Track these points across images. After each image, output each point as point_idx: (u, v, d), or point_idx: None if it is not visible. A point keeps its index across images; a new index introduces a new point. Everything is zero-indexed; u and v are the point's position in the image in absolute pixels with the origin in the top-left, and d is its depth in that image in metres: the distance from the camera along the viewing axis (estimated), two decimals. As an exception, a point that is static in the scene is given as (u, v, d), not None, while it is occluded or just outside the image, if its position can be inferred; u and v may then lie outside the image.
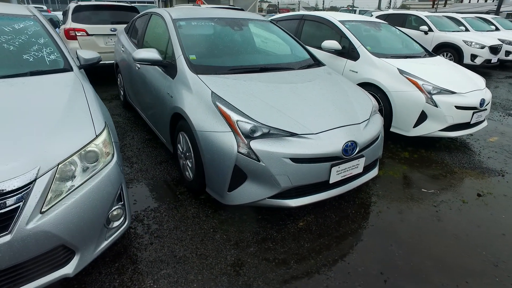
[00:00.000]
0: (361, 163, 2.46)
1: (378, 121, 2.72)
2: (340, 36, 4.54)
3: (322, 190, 2.36)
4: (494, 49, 8.79)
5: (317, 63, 3.38)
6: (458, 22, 10.71)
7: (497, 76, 9.14)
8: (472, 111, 3.71)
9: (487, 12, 20.76)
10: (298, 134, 2.20)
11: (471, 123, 3.79)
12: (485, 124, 4.09)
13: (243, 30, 3.46)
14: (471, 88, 3.84)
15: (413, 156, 3.71)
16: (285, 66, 3.08)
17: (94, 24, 6.11)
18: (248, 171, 2.17)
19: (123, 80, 4.70)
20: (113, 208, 1.86)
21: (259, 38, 3.52)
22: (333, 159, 2.27)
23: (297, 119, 2.29)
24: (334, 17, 4.76)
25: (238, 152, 2.14)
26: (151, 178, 3.01)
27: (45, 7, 19.61)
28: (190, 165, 2.67)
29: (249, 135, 2.16)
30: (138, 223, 2.40)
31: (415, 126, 3.73)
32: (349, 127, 2.41)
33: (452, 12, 14.85)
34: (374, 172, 2.72)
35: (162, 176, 3.05)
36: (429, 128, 3.69)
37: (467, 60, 8.76)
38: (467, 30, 10.41)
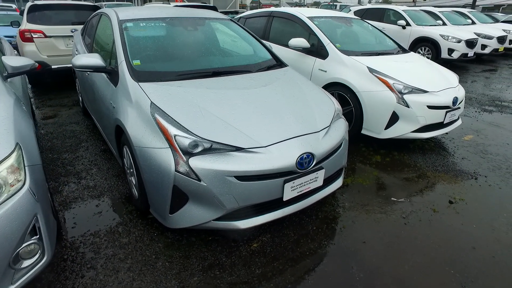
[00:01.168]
0: (320, 175, 2.25)
1: (341, 127, 2.50)
2: (308, 33, 4.31)
3: (276, 208, 2.13)
4: (470, 43, 8.74)
5: (279, 63, 3.14)
6: (435, 16, 10.64)
7: (474, 70, 9.10)
8: (445, 110, 3.54)
9: (464, 6, 20.94)
10: (244, 149, 1.96)
11: (444, 122, 3.62)
12: (459, 122, 3.94)
13: (198, 31, 3.19)
14: (444, 86, 3.68)
15: (385, 160, 3.52)
16: (241, 69, 2.83)
17: (53, 25, 5.72)
18: (188, 192, 1.93)
19: (79, 86, 4.38)
20: (23, 245, 1.59)
21: (215, 39, 3.26)
22: (286, 174, 2.04)
23: (245, 131, 2.05)
24: (302, 13, 4.53)
25: (176, 171, 1.89)
26: (98, 196, 2.73)
27: (14, 6, 18.69)
28: (134, 182, 2.41)
29: (189, 151, 1.91)
30: (72, 251, 2.13)
31: (386, 127, 3.54)
32: (305, 137, 2.18)
33: (430, 6, 14.86)
34: (337, 184, 2.50)
35: (111, 193, 2.77)
36: (401, 130, 3.50)
37: (444, 54, 8.69)
38: (444, 24, 10.35)
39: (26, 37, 5.52)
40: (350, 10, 11.07)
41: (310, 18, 4.39)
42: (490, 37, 9.85)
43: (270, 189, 2.01)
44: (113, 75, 2.65)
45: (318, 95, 2.68)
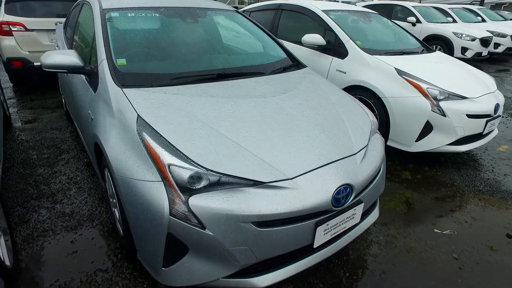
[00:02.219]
0: (358, 211, 1.74)
1: (379, 146, 2.00)
2: (324, 28, 3.78)
3: (303, 256, 1.62)
4: (485, 41, 8.26)
5: (295, 64, 2.62)
6: (445, 13, 10.15)
7: (487, 70, 8.62)
8: (486, 119, 3.04)
9: (471, 3, 20.46)
10: (264, 183, 1.44)
11: (483, 133, 3.13)
12: (496, 132, 3.45)
13: (199, 23, 2.65)
14: (483, 91, 3.17)
15: (416, 177, 3.02)
16: (253, 70, 2.30)
17: (35, 17, 5.14)
18: (188, 242, 1.41)
19: (60, 85, 3.83)
20: None
21: (220, 34, 2.73)
22: (318, 215, 1.53)
23: (265, 157, 1.52)
24: (316, 6, 4.00)
25: (172, 214, 1.37)
26: (74, 227, 2.20)
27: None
28: (118, 217, 1.89)
29: (188, 187, 1.39)
30: (33, 313, 1.60)
31: (418, 139, 3.04)
32: (341, 162, 1.67)
33: (438, 3, 14.37)
34: (374, 216, 2.00)
35: (91, 223, 2.25)
36: (436, 142, 3.00)
37: (457, 53, 8.21)
38: (454, 21, 9.87)
39: (3, 30, 4.93)
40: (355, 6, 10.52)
41: (326, 12, 3.86)
42: (504, 35, 9.36)
43: (297, 236, 1.50)
44: (92, 77, 2.11)
45: (349, 105, 2.16)
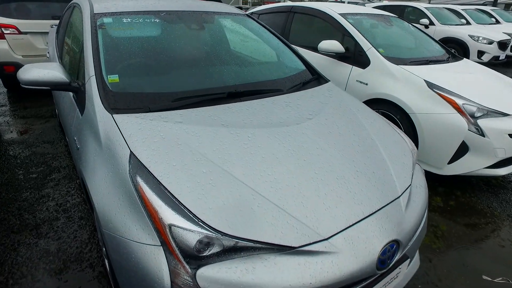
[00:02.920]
0: (403, 269, 1.41)
1: (422, 181, 1.66)
2: (342, 34, 3.44)
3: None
4: (503, 45, 7.88)
5: (316, 77, 2.27)
6: (458, 15, 9.77)
7: (505, 75, 8.24)
8: (528, 139, 2.69)
9: (484, 4, 20.02)
10: (294, 248, 1.11)
11: (524, 155, 2.78)
12: (534, 151, 3.09)
13: (205, 30, 2.31)
14: (523, 106, 2.82)
15: (448, 204, 2.67)
16: (269, 86, 1.96)
17: (29, 18, 4.82)
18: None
19: (53, 95, 3.51)
20: None
21: (229, 42, 2.39)
22: (358, 282, 1.20)
23: (293, 211, 1.18)
24: (333, 9, 3.65)
25: (173, 293, 1.04)
26: (59, 271, 1.87)
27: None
28: (108, 271, 1.56)
29: (196, 255, 1.06)
30: None
31: (451, 161, 2.69)
32: (385, 210, 1.33)
33: (446, 3, 13.97)
34: (414, 267, 1.65)
35: (79, 265, 1.92)
36: (472, 165, 2.65)
37: (473, 57, 7.84)
38: (468, 23, 9.48)
39: (-4, 33, 4.62)
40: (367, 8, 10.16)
41: (343, 16, 3.52)
42: (521, 38, 8.96)
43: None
44: (80, 95, 1.78)
45: (384, 131, 1.81)
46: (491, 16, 11.04)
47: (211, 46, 2.21)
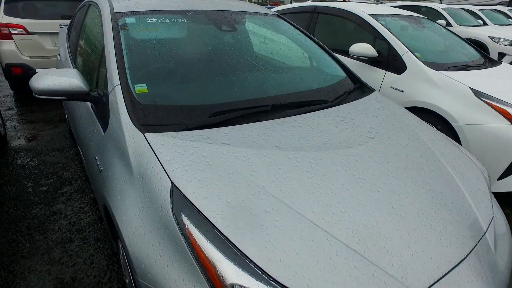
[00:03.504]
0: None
1: (498, 209, 1.43)
2: (373, 37, 3.20)
3: None
4: (524, 47, 7.59)
5: (359, 85, 2.03)
6: (474, 15, 9.48)
7: (526, 77, 7.95)
8: None
9: (499, 4, 19.67)
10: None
11: None
12: None
13: (237, 32, 2.08)
14: None
15: (498, 224, 2.42)
16: (313, 97, 1.72)
17: (37, 18, 4.61)
18: None
19: (63, 102, 3.29)
20: None
21: (264, 46, 2.15)
22: None
23: (377, 259, 0.95)
24: (362, 9, 3.41)
25: None
26: (75, 303, 1.65)
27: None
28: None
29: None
30: None
31: (501, 177, 2.45)
32: (476, 252, 1.10)
33: (460, 3, 13.66)
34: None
35: (96, 296, 1.70)
36: (525, 182, 2.41)
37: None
38: (485, 24, 9.20)
39: (2, 33, 4.42)
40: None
41: (374, 17, 3.28)
42: (541, 40, 8.67)
43: None
44: (100, 107, 1.55)
45: (449, 150, 1.57)
46: (507, 16, 10.75)
47: (245, 50, 1.97)
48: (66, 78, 1.51)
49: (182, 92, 1.53)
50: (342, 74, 2.11)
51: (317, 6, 3.87)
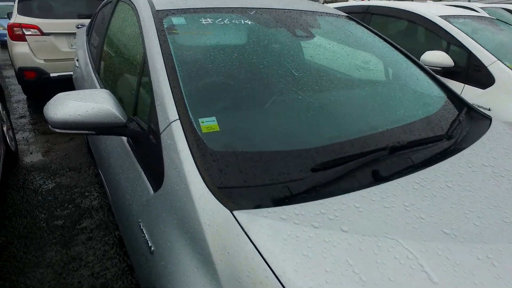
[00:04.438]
0: None
1: None
2: (446, 42, 2.69)
3: None
4: None
5: (466, 110, 1.53)
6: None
7: None
8: None
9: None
10: None
11: None
12: None
13: (316, 39, 1.59)
14: None
15: None
16: (426, 133, 1.22)
17: (52, 18, 4.22)
18: None
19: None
20: None
21: (344, 58, 1.66)
22: None
23: None
24: (429, 10, 2.90)
25: None
26: None
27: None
28: None
29: None
30: None
31: None
32: None
33: (499, 3, 12.94)
34: None
35: None
36: None
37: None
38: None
39: (16, 34, 4.04)
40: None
41: (446, 19, 2.77)
42: None
43: None
44: (145, 148, 1.09)
45: None
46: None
47: (329, 65, 1.48)
48: (94, 104, 1.06)
49: (266, 129, 1.06)
50: (440, 94, 1.61)
51: (369, 6, 3.38)
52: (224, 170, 0.87)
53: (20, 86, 4.69)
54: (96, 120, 1.06)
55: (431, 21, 2.80)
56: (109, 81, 1.71)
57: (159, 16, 1.34)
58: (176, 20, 1.34)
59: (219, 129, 0.97)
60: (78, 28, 4.26)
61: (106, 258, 1.92)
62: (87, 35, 2.87)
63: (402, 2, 3.17)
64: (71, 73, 4.24)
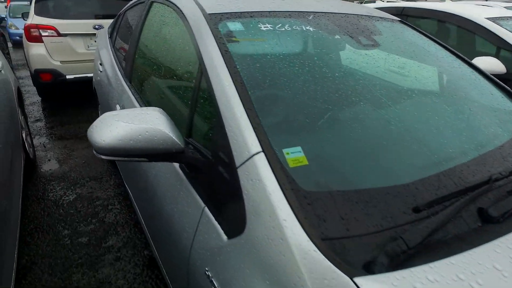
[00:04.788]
0: None
1: None
2: (496, 47, 2.50)
3: None
4: None
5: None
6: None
7: None
8: None
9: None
10: None
11: None
12: None
13: (380, 49, 1.42)
14: None
15: None
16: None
17: (69, 18, 4.09)
18: None
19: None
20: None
21: (413, 71, 1.47)
22: None
23: None
24: (473, 11, 2.71)
25: None
26: None
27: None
28: None
29: None
30: None
31: None
32: None
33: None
34: None
35: None
36: None
37: None
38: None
39: (32, 35, 3.91)
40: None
41: (495, 21, 2.57)
42: None
43: None
44: (209, 178, 0.92)
45: None
46: None
47: (408, 80, 1.30)
48: (148, 127, 0.90)
49: (363, 160, 0.89)
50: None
51: (404, 7, 3.19)
52: (323, 217, 0.70)
53: (34, 87, 4.58)
54: (150, 146, 0.90)
55: (478, 24, 2.60)
56: (146, 92, 1.55)
57: (213, 21, 1.18)
58: (233, 26, 1.17)
59: (307, 162, 0.80)
60: (96, 28, 4.14)
61: (137, 282, 1.76)
62: (110, 37, 2.72)
63: (441, 3, 2.98)
64: (88, 75, 4.13)
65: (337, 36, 1.30)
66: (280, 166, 0.76)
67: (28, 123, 3.52)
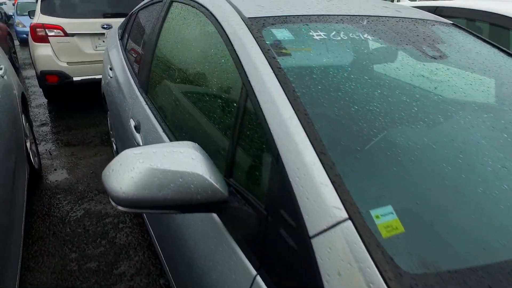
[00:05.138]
0: None
1: None
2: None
3: None
4: None
5: None
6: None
7: None
8: None
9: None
10: None
11: None
12: None
13: (449, 60, 1.19)
14: None
15: None
16: None
17: (76, 17, 3.89)
18: None
19: (113, 131, 2.51)
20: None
21: (486, 88, 1.25)
22: None
23: None
24: (519, 13, 2.46)
25: None
26: None
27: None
28: None
29: None
30: None
31: None
32: None
33: None
34: None
35: None
36: None
37: None
38: None
39: (38, 35, 3.72)
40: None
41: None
42: None
43: None
44: (261, 237, 0.71)
45: None
46: None
47: (490, 101, 1.07)
48: (182, 172, 0.69)
49: (478, 225, 0.66)
50: None
51: (438, 6, 2.94)
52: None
53: (40, 88, 4.40)
54: (184, 197, 0.69)
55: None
56: (168, 110, 1.33)
57: (255, 27, 0.96)
58: (280, 34, 0.95)
59: (403, 230, 0.58)
60: (104, 28, 3.94)
61: (153, 320, 1.57)
62: (121, 39, 2.52)
63: (481, 1, 2.72)
64: (95, 77, 3.94)
65: (400, 46, 1.07)
66: (373, 239, 0.54)
67: (34, 129, 3.34)
